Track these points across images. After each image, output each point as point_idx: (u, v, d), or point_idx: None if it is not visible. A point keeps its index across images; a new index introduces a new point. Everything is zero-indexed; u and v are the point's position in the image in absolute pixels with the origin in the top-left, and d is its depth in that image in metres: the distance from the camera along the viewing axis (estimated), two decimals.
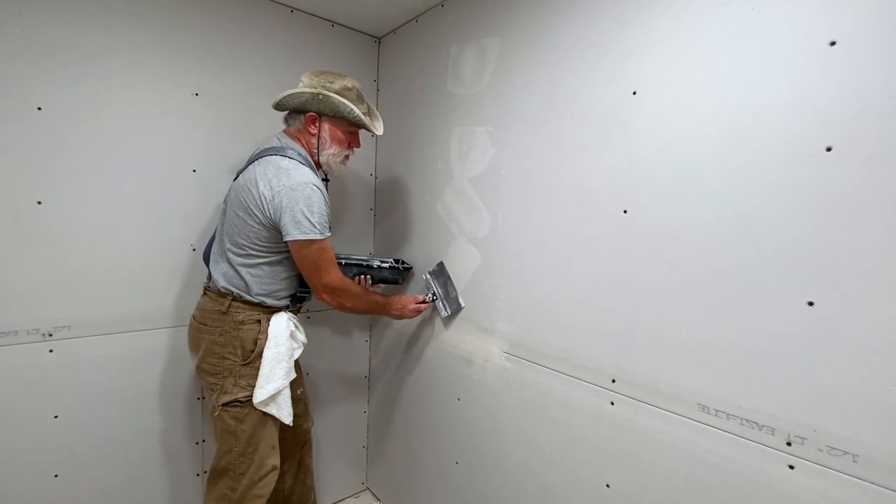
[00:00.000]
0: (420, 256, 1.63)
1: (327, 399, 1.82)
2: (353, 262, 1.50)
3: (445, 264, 1.50)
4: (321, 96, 1.25)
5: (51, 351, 1.25)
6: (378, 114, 1.44)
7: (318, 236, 1.19)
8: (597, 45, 1.08)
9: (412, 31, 1.68)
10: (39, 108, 1.20)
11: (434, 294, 1.52)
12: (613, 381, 1.05)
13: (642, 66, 0.99)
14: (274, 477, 1.27)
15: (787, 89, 0.79)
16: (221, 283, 1.26)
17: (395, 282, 1.60)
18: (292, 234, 1.18)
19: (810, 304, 0.76)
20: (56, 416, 1.27)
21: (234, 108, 1.51)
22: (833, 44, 0.74)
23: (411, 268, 1.63)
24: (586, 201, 1.10)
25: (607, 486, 1.06)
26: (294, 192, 1.17)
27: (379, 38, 1.85)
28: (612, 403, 1.05)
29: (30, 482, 1.24)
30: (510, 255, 1.30)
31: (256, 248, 1.23)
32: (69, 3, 1.22)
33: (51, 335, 1.25)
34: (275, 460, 1.27)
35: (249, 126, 1.52)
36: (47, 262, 1.23)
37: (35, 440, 1.24)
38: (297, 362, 1.48)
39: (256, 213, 1.20)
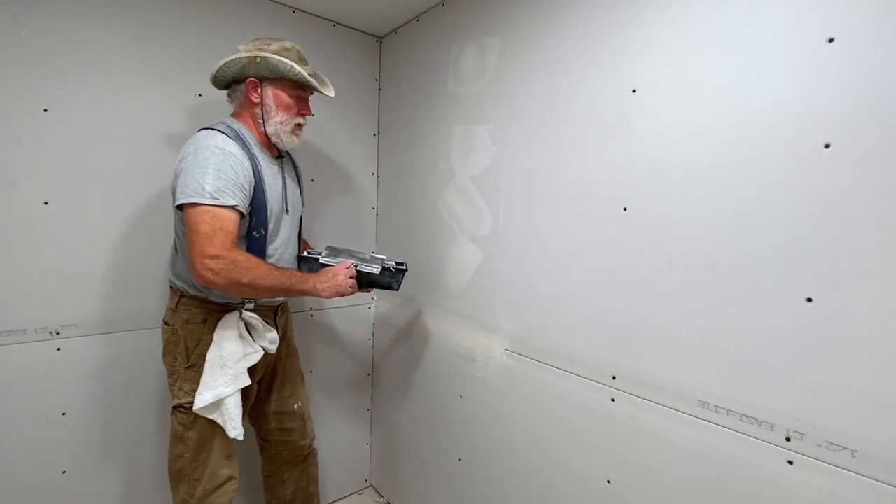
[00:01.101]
0: (422, 255, 1.64)
1: (330, 396, 1.84)
2: (333, 263, 1.29)
3: (334, 245, 1.33)
4: (258, 59, 1.14)
5: (58, 349, 1.27)
6: (326, 80, 1.32)
7: (205, 201, 1.01)
8: (596, 43, 1.08)
9: (413, 31, 1.69)
10: (46, 110, 1.21)
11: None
12: (614, 377, 1.05)
13: (642, 64, 0.99)
14: (230, 487, 1.20)
15: (786, 86, 0.79)
16: (170, 276, 1.22)
17: (388, 286, 1.32)
18: (178, 198, 1.04)
19: (809, 300, 0.76)
20: (64, 414, 1.29)
21: None
22: (831, 41, 0.74)
23: (406, 270, 1.36)
24: (586, 199, 1.11)
25: (608, 481, 1.07)
26: (196, 156, 1.05)
27: (380, 38, 1.86)
28: (613, 400, 1.06)
29: (38, 479, 1.26)
30: (511, 253, 1.31)
31: (182, 232, 1.12)
32: (74, 6, 1.23)
33: (58, 333, 1.27)
34: (229, 470, 1.20)
35: None
36: (54, 262, 1.25)
37: (43, 437, 1.26)
38: (300, 372, 1.47)
39: (172, 193, 1.11)
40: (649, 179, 0.98)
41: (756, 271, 0.82)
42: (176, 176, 1.09)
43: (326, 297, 1.19)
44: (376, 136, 1.89)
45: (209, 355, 1.13)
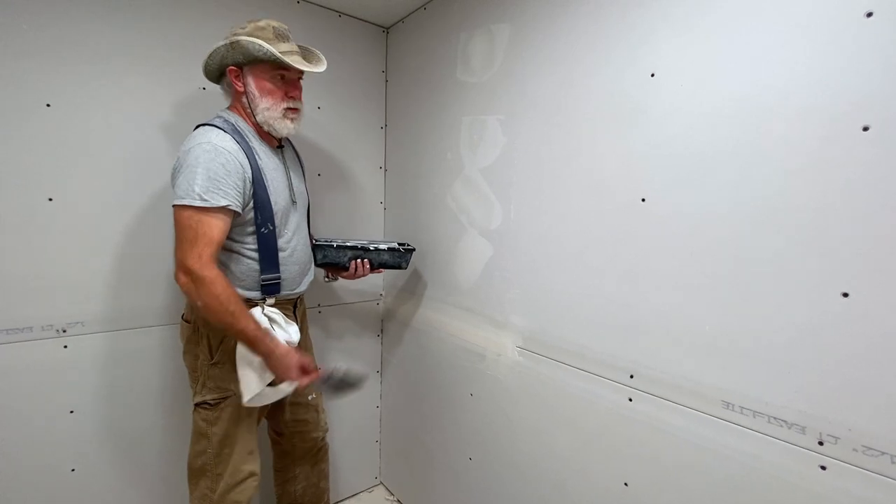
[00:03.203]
0: (431, 250, 1.60)
1: None
2: (349, 245, 1.40)
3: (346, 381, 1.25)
4: (233, 43, 1.08)
5: (65, 347, 1.26)
6: (319, 54, 1.24)
7: (192, 202, 0.99)
8: (612, 27, 1.03)
9: (420, 20, 1.64)
10: (49, 105, 1.20)
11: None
12: (631, 376, 1.01)
13: (660, 47, 0.94)
14: (252, 483, 1.19)
15: (818, 65, 0.73)
16: None
17: (398, 266, 1.45)
18: (173, 200, 1.03)
19: (845, 295, 0.71)
20: (72, 412, 1.28)
21: None
22: (870, 14, 0.69)
23: (414, 249, 1.48)
24: (602, 190, 1.06)
25: (625, 484, 1.03)
26: (188, 154, 1.03)
27: (387, 28, 1.82)
28: (631, 400, 1.01)
29: (47, 477, 1.25)
30: (523, 247, 1.26)
31: None
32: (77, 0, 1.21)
33: (65, 331, 1.26)
34: (252, 466, 1.20)
35: None
36: (60, 259, 1.24)
37: (51, 435, 1.26)
38: (313, 363, 1.47)
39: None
40: (669, 168, 0.93)
41: (786, 263, 0.77)
42: (173, 175, 1.08)
43: (272, 366, 1.10)
44: (383, 129, 1.85)
45: (238, 352, 1.11)
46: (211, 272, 1.02)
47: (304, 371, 1.13)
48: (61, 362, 1.26)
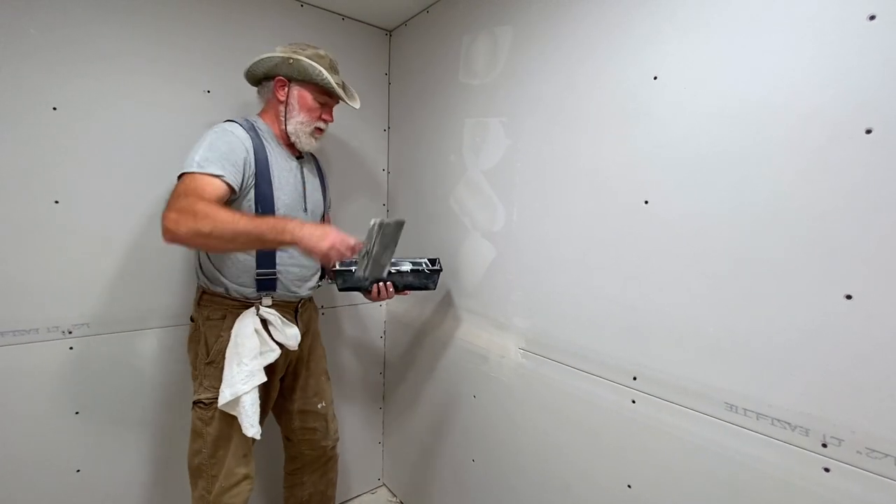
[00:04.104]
0: (434, 252, 1.61)
1: (342, 395, 1.82)
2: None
3: (402, 228, 1.10)
4: (291, 60, 1.19)
5: (71, 348, 1.27)
6: (354, 93, 1.36)
7: (191, 169, 1.04)
8: (615, 29, 1.03)
9: (423, 23, 1.65)
10: (55, 108, 1.21)
11: (368, 250, 1.08)
12: (635, 378, 1.01)
13: (664, 49, 0.94)
14: (246, 486, 1.19)
15: (822, 68, 0.74)
16: (197, 271, 1.24)
17: (425, 287, 1.31)
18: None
19: (849, 297, 0.71)
20: (77, 413, 1.29)
21: (246, 105, 1.50)
22: (873, 18, 0.69)
23: (441, 269, 1.33)
24: (605, 192, 1.06)
25: (629, 486, 1.03)
26: (200, 137, 1.12)
27: (390, 31, 1.83)
28: (634, 402, 1.01)
29: (53, 478, 1.26)
30: (526, 249, 1.27)
31: None
32: (82, 3, 1.22)
33: (70, 332, 1.27)
34: (245, 469, 1.20)
35: None
36: (66, 261, 1.24)
37: (57, 436, 1.26)
38: (325, 371, 1.46)
39: None
40: (672, 170, 0.93)
41: (790, 265, 0.77)
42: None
43: (307, 250, 0.99)
44: (387, 132, 1.86)
45: (227, 352, 1.14)
46: (199, 204, 0.97)
47: (346, 246, 1.03)
48: (67, 364, 1.27)
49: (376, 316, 1.91)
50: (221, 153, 1.08)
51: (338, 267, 1.26)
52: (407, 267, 1.28)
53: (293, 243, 1.00)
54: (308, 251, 1.00)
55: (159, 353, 1.40)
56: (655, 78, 0.96)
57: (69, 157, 1.23)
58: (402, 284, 1.28)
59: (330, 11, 1.66)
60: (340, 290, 1.32)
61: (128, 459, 1.38)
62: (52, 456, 1.26)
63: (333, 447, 1.47)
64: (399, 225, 1.08)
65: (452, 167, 1.52)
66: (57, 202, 1.22)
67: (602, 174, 1.07)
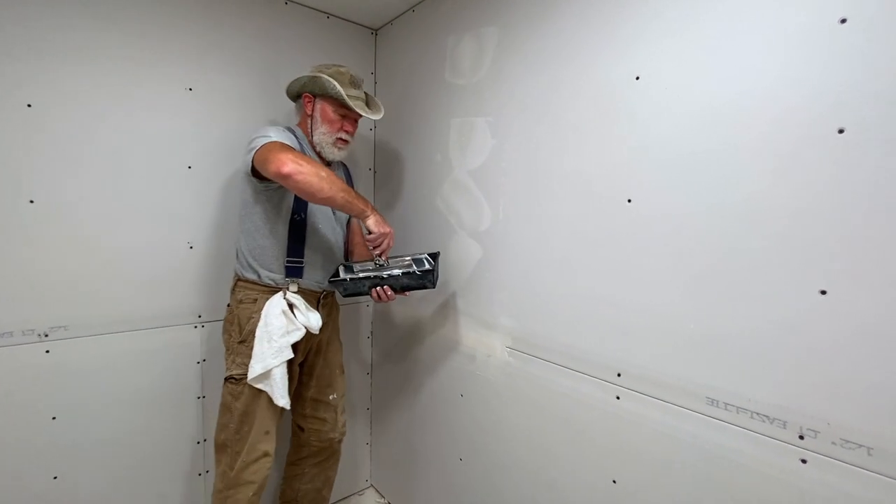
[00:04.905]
0: (419, 252, 1.60)
1: None
2: (361, 276, 1.30)
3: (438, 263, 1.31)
4: (315, 78, 1.32)
5: (47, 352, 1.24)
6: (379, 104, 1.45)
7: (264, 140, 1.19)
8: (599, 31, 1.05)
9: (409, 22, 1.65)
10: (29, 105, 1.17)
11: (378, 264, 1.29)
12: (619, 375, 1.03)
13: (645, 51, 0.96)
14: (265, 464, 1.27)
15: (795, 69, 0.76)
16: (235, 261, 1.36)
17: (423, 287, 1.29)
18: (246, 159, 1.22)
19: (823, 293, 0.73)
20: (54, 418, 1.25)
21: (229, 104, 1.48)
22: (844, 21, 0.71)
23: (432, 269, 1.28)
24: (589, 191, 1.07)
25: (614, 481, 1.04)
26: (255, 130, 1.27)
27: (375, 30, 1.82)
28: (618, 398, 1.03)
29: (29, 484, 1.22)
30: (512, 248, 1.27)
31: (242, 204, 1.33)
32: None
33: (47, 336, 1.23)
34: (267, 446, 1.28)
35: (244, 121, 1.50)
36: (41, 262, 1.21)
37: (33, 442, 1.23)
38: (339, 364, 1.53)
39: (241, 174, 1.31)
40: (654, 170, 0.95)
41: (767, 263, 0.79)
42: (245, 154, 1.25)
43: (377, 223, 1.25)
44: (372, 131, 1.85)
45: (258, 331, 1.24)
46: (299, 163, 1.12)
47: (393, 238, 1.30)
48: (43, 368, 1.23)
49: (363, 315, 1.90)
50: (286, 137, 1.23)
51: (331, 279, 1.34)
52: (397, 272, 1.28)
53: (370, 214, 1.24)
54: (377, 225, 1.25)
55: (138, 355, 1.37)
56: (637, 78, 0.97)
57: (45, 156, 1.20)
58: (400, 287, 1.31)
59: (315, 10, 1.65)
60: (344, 297, 1.37)
61: (106, 465, 1.34)
62: (29, 462, 1.22)
63: (339, 441, 1.53)
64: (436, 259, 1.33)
65: (438, 166, 1.52)
66: (32, 202, 1.19)
67: (586, 173, 1.08)
